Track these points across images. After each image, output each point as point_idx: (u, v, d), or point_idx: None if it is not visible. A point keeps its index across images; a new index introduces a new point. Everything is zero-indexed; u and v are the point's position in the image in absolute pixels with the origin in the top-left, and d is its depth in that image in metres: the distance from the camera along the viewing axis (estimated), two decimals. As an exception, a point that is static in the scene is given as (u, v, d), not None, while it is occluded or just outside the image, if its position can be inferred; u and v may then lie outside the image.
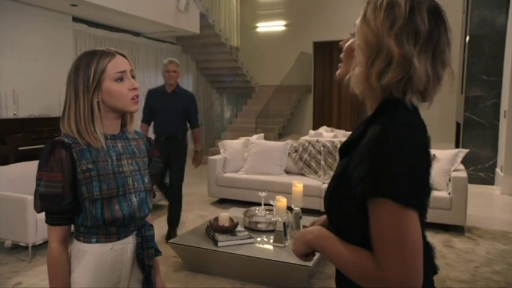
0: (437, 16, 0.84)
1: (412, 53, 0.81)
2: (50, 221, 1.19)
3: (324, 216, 1.04)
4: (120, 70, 1.20)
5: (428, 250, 0.89)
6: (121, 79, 1.20)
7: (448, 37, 0.85)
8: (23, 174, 3.56)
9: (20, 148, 4.64)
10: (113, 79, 1.19)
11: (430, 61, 0.83)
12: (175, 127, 3.84)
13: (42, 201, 1.15)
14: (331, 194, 0.92)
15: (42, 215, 1.20)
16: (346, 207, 0.86)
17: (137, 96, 1.25)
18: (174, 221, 3.82)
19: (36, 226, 3.26)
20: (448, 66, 0.85)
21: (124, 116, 1.29)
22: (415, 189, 0.77)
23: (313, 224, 1.07)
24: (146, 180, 1.30)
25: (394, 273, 0.75)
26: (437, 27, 0.83)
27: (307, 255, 0.97)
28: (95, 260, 1.19)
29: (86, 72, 1.17)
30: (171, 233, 3.75)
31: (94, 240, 1.20)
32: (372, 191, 0.77)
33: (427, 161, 0.82)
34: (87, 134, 1.17)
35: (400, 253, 0.75)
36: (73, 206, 1.17)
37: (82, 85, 1.17)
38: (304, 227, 1.03)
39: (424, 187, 0.82)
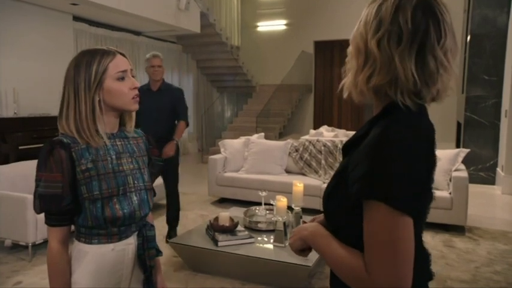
0: (426, 11, 0.80)
1: (393, 55, 0.80)
2: (49, 221, 1.18)
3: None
4: (121, 69, 1.20)
5: (424, 256, 0.89)
6: (122, 78, 1.20)
7: (441, 31, 0.80)
8: (24, 174, 3.56)
9: (20, 147, 4.64)
10: (114, 78, 1.19)
11: (415, 60, 0.80)
12: (165, 128, 3.57)
13: (42, 202, 1.14)
14: (330, 193, 0.92)
15: (43, 214, 1.19)
16: (345, 206, 0.85)
17: (137, 95, 1.25)
18: (173, 221, 3.80)
19: (36, 225, 3.26)
20: (444, 60, 0.81)
21: (122, 115, 1.29)
22: (412, 195, 0.76)
23: (313, 220, 1.08)
24: (146, 178, 1.29)
25: (381, 278, 0.74)
26: (425, 23, 0.80)
27: (302, 251, 0.98)
28: (96, 261, 1.19)
29: (87, 70, 1.16)
30: (171, 232, 3.74)
31: (95, 241, 1.19)
32: (368, 192, 0.77)
33: (429, 164, 0.81)
34: (88, 133, 1.16)
35: (389, 258, 0.74)
36: (72, 206, 1.17)
37: (83, 83, 1.16)
38: (304, 223, 1.03)
39: (423, 192, 0.81)
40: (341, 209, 0.87)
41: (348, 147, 0.92)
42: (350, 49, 0.90)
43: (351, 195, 0.80)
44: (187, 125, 3.70)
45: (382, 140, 0.78)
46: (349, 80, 0.89)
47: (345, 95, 0.91)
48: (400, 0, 0.81)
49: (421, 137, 0.81)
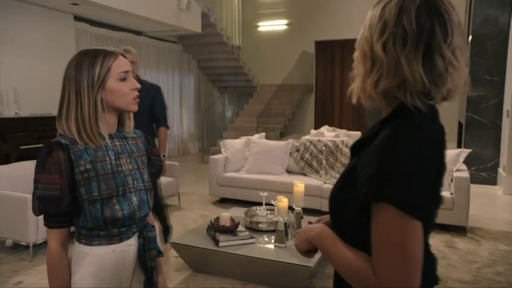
0: (430, 11, 0.79)
1: (399, 57, 0.79)
2: (48, 223, 1.18)
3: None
4: (123, 70, 1.20)
5: (430, 261, 0.88)
6: (124, 79, 1.20)
7: (447, 30, 0.79)
8: (24, 174, 3.56)
9: (21, 147, 4.64)
10: (117, 79, 1.19)
11: (423, 61, 0.78)
12: (142, 129, 3.34)
13: (40, 204, 1.14)
14: (337, 193, 0.91)
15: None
16: (352, 207, 0.84)
17: (138, 96, 1.25)
18: (164, 219, 3.53)
19: (37, 225, 3.25)
20: (452, 59, 0.79)
21: (121, 115, 1.29)
22: (421, 197, 0.75)
23: (318, 221, 1.07)
24: (146, 178, 1.29)
25: (389, 281, 0.74)
26: (430, 23, 0.78)
27: (308, 252, 0.97)
28: (97, 262, 1.18)
29: (90, 70, 1.16)
30: (166, 230, 3.59)
31: (96, 242, 1.19)
32: (376, 194, 0.76)
33: (438, 165, 0.80)
34: (89, 133, 1.16)
35: (398, 262, 0.73)
36: (71, 208, 1.16)
37: (86, 82, 1.15)
38: (310, 223, 1.02)
39: (432, 194, 0.80)
40: (348, 209, 0.86)
41: (356, 148, 0.92)
42: (356, 54, 0.89)
43: (359, 196, 0.80)
44: (167, 128, 3.50)
45: (391, 141, 0.77)
46: (357, 86, 0.88)
47: (354, 101, 0.90)
48: (404, 1, 0.80)
49: (431, 138, 0.80)
